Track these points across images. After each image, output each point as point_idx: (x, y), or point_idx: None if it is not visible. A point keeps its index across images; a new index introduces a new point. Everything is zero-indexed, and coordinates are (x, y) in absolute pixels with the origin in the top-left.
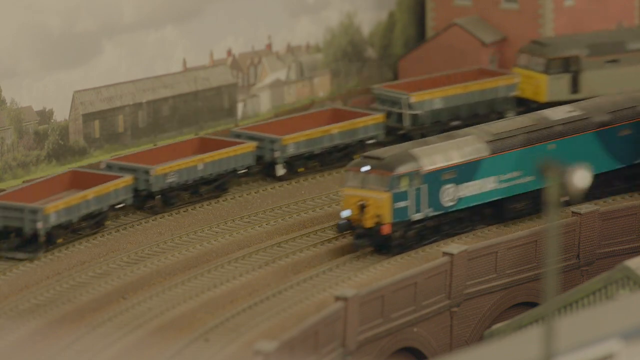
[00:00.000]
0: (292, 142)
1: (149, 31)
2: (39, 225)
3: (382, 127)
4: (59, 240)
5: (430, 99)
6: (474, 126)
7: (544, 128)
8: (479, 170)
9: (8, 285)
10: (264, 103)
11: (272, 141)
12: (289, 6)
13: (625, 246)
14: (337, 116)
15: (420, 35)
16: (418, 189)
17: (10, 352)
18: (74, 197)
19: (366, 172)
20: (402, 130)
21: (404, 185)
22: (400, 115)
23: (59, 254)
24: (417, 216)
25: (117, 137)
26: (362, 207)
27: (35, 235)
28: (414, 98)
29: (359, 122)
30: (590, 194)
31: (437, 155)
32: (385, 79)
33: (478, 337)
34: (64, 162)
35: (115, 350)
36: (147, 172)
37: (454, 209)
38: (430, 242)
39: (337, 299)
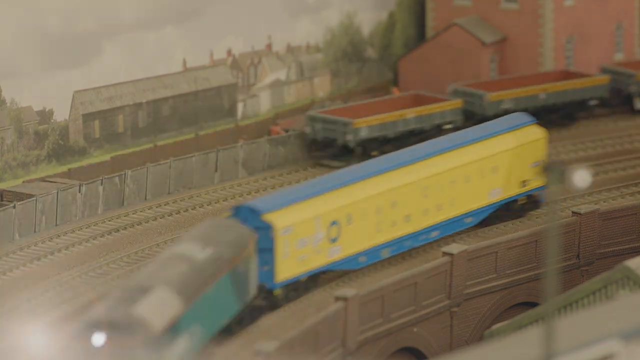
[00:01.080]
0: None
1: (149, 31)
2: (349, 137)
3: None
4: (373, 153)
5: None
6: (156, 275)
7: (200, 271)
8: (179, 327)
9: (8, 285)
10: (264, 103)
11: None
12: (289, 6)
13: (625, 246)
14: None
15: (420, 35)
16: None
17: (10, 352)
18: (391, 115)
19: (100, 342)
20: None
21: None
22: None
23: (59, 254)
24: None
25: (117, 137)
26: None
27: (348, 147)
28: None
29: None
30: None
31: (158, 311)
32: (385, 79)
33: (478, 337)
34: (64, 162)
35: None
36: (481, 97)
37: None
38: None
39: (337, 299)
